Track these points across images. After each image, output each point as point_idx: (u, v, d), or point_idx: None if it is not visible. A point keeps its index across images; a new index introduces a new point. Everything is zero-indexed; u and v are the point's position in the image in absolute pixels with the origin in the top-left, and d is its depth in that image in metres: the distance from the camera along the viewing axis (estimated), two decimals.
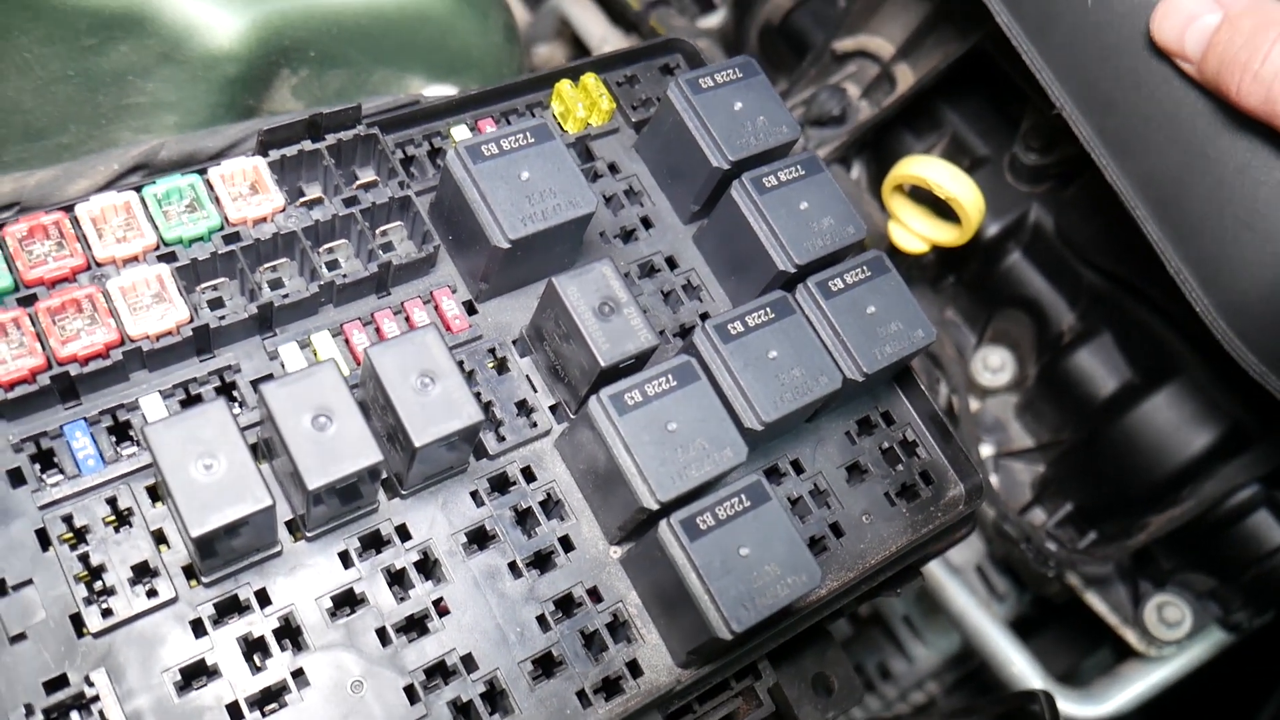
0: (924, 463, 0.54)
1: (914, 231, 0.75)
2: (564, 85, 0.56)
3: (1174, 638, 0.82)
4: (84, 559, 0.41)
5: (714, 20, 1.06)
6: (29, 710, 0.38)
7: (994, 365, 0.89)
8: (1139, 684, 0.85)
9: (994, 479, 0.89)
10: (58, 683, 0.39)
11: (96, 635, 0.40)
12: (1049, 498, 0.85)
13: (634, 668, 0.46)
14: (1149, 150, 0.60)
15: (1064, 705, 0.86)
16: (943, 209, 0.75)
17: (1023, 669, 0.87)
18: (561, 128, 0.56)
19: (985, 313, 0.89)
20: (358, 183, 0.51)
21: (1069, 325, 0.83)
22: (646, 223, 0.56)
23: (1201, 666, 0.87)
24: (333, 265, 0.49)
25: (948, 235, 0.74)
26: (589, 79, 0.56)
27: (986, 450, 0.90)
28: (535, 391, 0.49)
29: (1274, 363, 0.58)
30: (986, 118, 0.86)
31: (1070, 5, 0.61)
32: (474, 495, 0.47)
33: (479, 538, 0.46)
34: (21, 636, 0.40)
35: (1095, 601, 0.85)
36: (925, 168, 0.70)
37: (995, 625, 0.89)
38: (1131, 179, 0.61)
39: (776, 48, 0.97)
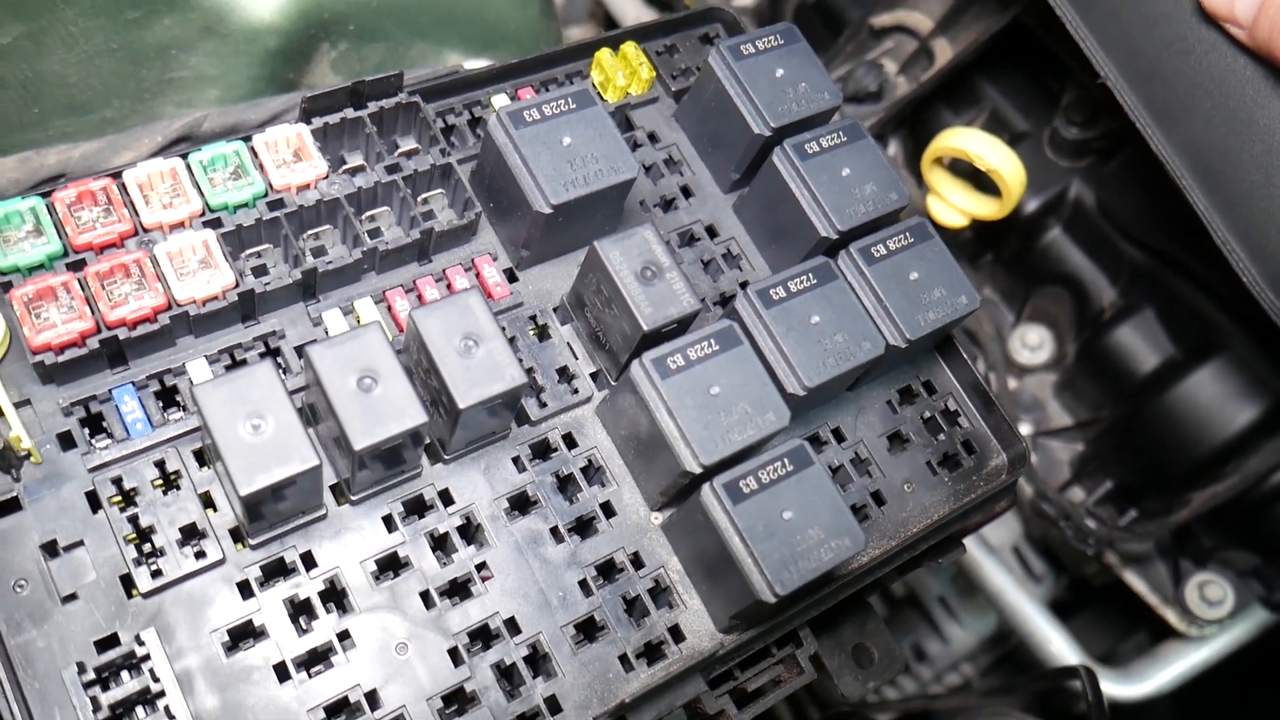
0: (966, 432, 0.54)
1: (953, 205, 0.74)
2: (604, 54, 0.55)
3: (1216, 616, 0.81)
4: (133, 521, 0.41)
5: None
6: (81, 668, 0.39)
7: (1032, 343, 0.88)
8: (1179, 664, 0.85)
9: (1032, 458, 0.88)
10: (109, 642, 0.40)
11: (146, 595, 0.41)
12: (1088, 476, 0.84)
13: (676, 633, 0.45)
14: (1196, 118, 0.59)
15: (1103, 685, 0.85)
16: (982, 182, 0.74)
17: (1060, 648, 0.86)
18: (601, 97, 0.56)
19: (1024, 290, 0.89)
20: (399, 151, 0.51)
21: (1110, 302, 0.82)
22: (686, 191, 0.55)
23: (1243, 647, 0.85)
24: (375, 233, 0.49)
25: (987, 208, 0.73)
26: (629, 48, 0.56)
27: (1025, 429, 0.89)
28: (576, 359, 0.49)
29: None
30: (1026, 92, 0.85)
31: None
32: (516, 461, 0.47)
33: (521, 503, 0.46)
34: (73, 597, 0.40)
35: (1135, 581, 0.85)
36: (966, 140, 0.69)
37: (1033, 604, 0.88)
38: (1178, 148, 0.61)
39: (812, 24, 0.96)
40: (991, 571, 0.90)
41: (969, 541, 0.91)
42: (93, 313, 0.42)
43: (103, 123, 0.60)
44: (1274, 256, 0.58)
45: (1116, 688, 0.85)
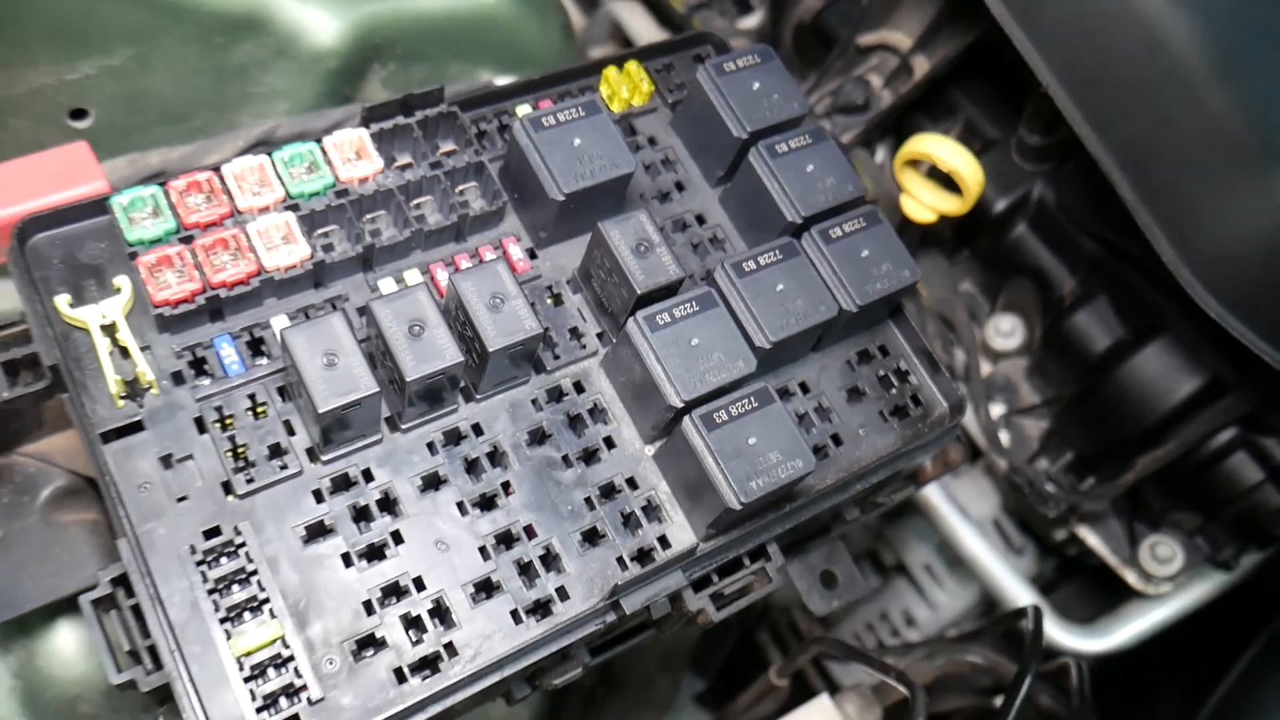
0: (914, 388, 0.64)
1: (922, 203, 0.84)
2: (611, 71, 0.66)
3: (1167, 574, 0.90)
4: (231, 440, 0.52)
5: (752, 21, 1.16)
6: (192, 550, 0.50)
7: (1005, 330, 0.98)
8: (1139, 621, 0.93)
9: (1005, 435, 0.98)
10: (213, 532, 0.51)
11: (241, 497, 0.51)
12: (1052, 448, 0.93)
13: (663, 541, 0.56)
14: (1122, 120, 0.69)
15: (1069, 640, 0.94)
16: (949, 183, 0.84)
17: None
18: (608, 107, 0.66)
19: (997, 282, 0.98)
20: (440, 151, 0.62)
21: (1069, 290, 0.91)
22: (679, 186, 0.66)
23: (1199, 607, 0.94)
24: (420, 217, 0.60)
25: (952, 205, 0.83)
26: (632, 66, 0.67)
27: (998, 409, 0.99)
28: (585, 321, 0.60)
29: (1232, 304, 0.67)
30: (995, 104, 0.95)
31: None
32: (534, 402, 0.57)
33: (538, 436, 0.57)
34: (185, 497, 0.51)
35: (1097, 544, 0.93)
36: (929, 144, 0.79)
37: (1008, 569, 0.97)
38: (1108, 147, 0.70)
39: (808, 44, 1.07)
40: (971, 541, 0.99)
41: (950, 513, 1.01)
42: (200, 276, 0.53)
43: (192, 130, 0.72)
44: (1187, 238, 0.67)
45: (1081, 642, 0.94)
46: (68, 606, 0.62)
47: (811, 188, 0.61)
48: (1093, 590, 1.11)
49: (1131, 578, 0.93)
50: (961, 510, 1.00)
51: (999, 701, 0.78)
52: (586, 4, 1.34)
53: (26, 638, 0.61)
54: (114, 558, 0.56)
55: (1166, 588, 0.92)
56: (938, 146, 0.78)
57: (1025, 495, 0.92)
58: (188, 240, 0.54)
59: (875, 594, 1.15)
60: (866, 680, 0.78)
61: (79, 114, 0.67)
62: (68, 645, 0.62)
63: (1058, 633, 0.94)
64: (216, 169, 0.56)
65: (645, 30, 1.21)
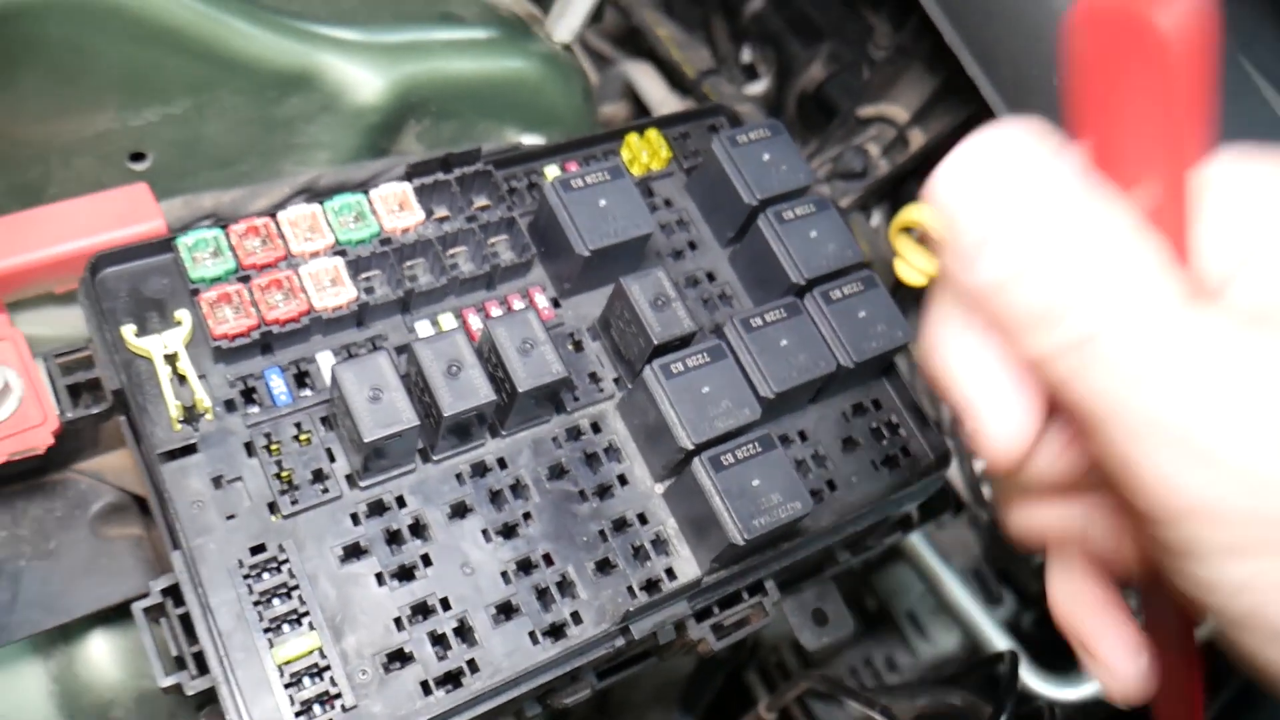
0: (903, 440, 0.69)
1: (915, 266, 0.89)
2: (632, 137, 0.72)
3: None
4: (277, 464, 0.57)
5: (758, 88, 1.22)
6: (240, 564, 0.54)
7: None
8: None
9: (987, 489, 1.03)
10: (258, 549, 0.55)
11: (285, 517, 0.56)
12: None
13: (670, 573, 0.60)
14: None
15: (1044, 687, 0.98)
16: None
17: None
18: (629, 170, 0.72)
19: None
20: (475, 205, 0.67)
21: None
22: (692, 245, 0.71)
23: None
24: (454, 266, 0.65)
25: None
26: (652, 133, 0.72)
27: (981, 464, 1.04)
28: (603, 366, 0.65)
29: None
30: None
31: (1041, 82, 0.76)
32: (554, 440, 0.62)
33: (557, 471, 0.61)
34: (234, 515, 0.56)
35: None
36: (922, 213, 0.85)
37: (987, 617, 1.02)
38: None
39: (810, 112, 1.13)
40: (953, 588, 1.03)
41: (933, 562, 1.05)
42: (256, 313, 0.58)
43: (239, 175, 0.77)
44: None
45: (1058, 690, 0.98)
46: (104, 617, 0.66)
47: (815, 252, 0.66)
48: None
49: None
50: (944, 559, 1.05)
51: None
52: (599, 63, 1.41)
53: (66, 644, 0.65)
54: (155, 572, 0.60)
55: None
56: (929, 214, 0.84)
57: (1006, 546, 0.97)
58: (245, 280, 0.59)
59: (859, 639, 1.19)
60: None
61: (138, 157, 0.73)
62: (103, 653, 0.66)
63: (1034, 680, 0.98)
64: (273, 215, 0.61)
65: (656, 91, 1.27)
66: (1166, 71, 0.30)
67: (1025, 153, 0.33)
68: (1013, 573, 1.08)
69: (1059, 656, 1.15)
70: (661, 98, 1.26)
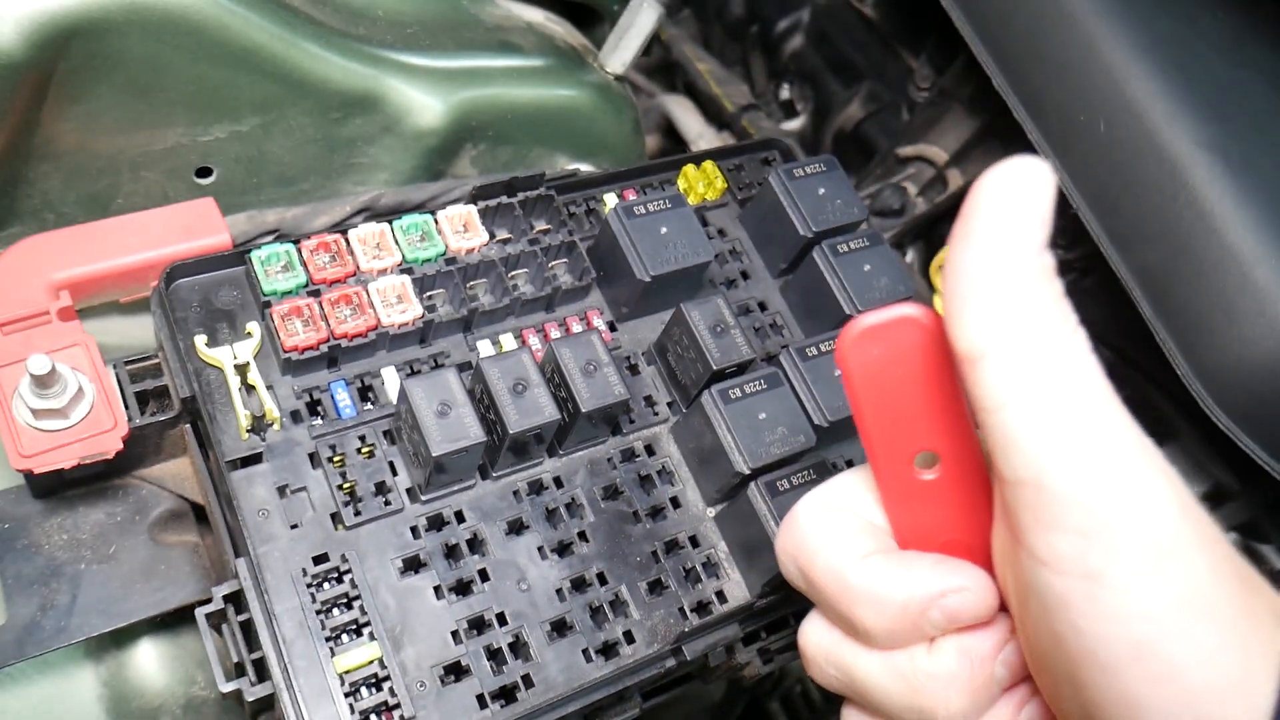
0: None
1: None
2: (690, 168, 0.73)
3: None
4: (341, 475, 0.58)
5: (795, 124, 1.24)
6: (303, 573, 0.55)
7: None
8: None
9: None
10: (321, 558, 0.56)
11: (349, 528, 0.57)
12: None
13: (720, 596, 0.61)
14: (1145, 244, 0.76)
15: None
16: None
17: None
18: (686, 200, 0.73)
19: None
20: (536, 229, 0.68)
21: None
22: (745, 275, 0.73)
23: None
24: (515, 287, 0.66)
25: None
26: (708, 164, 0.74)
27: None
28: (657, 390, 0.66)
29: (1239, 419, 0.73)
30: None
31: (1088, 127, 0.78)
32: (609, 461, 0.63)
33: (612, 492, 0.62)
34: (298, 525, 0.57)
35: None
36: None
37: None
38: (1130, 267, 0.77)
39: (848, 150, 1.15)
40: None
41: None
42: (325, 327, 0.59)
43: (300, 193, 0.78)
44: (1201, 356, 0.74)
45: None
46: (155, 624, 0.66)
47: (868, 285, 0.68)
48: None
49: None
50: None
51: None
52: (636, 95, 1.43)
53: (118, 650, 0.66)
54: (210, 579, 0.61)
55: None
56: None
57: None
58: (315, 294, 0.60)
59: None
60: None
61: (204, 172, 0.74)
62: (152, 660, 0.66)
63: None
64: (343, 232, 0.63)
65: (693, 125, 1.29)
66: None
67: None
68: None
69: None
70: (699, 131, 1.28)
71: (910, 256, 1.09)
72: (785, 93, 1.25)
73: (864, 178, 1.07)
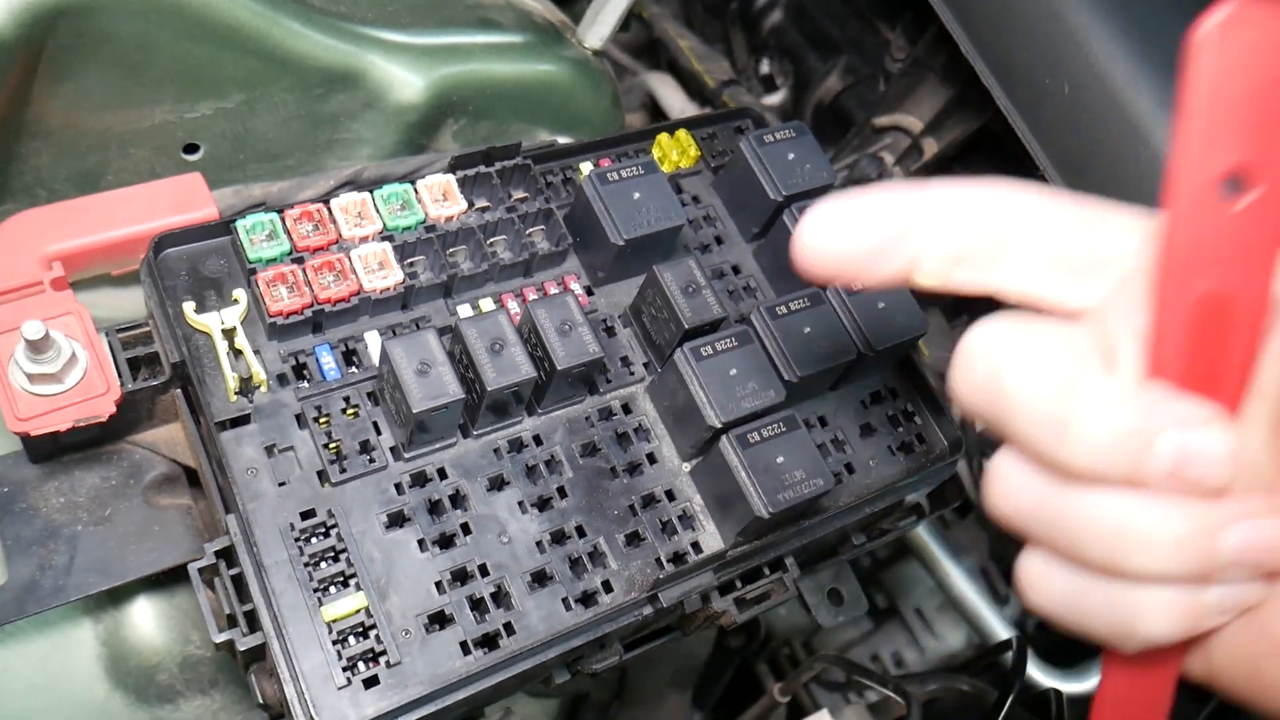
0: (919, 428, 0.72)
1: None
2: (663, 137, 0.75)
3: None
4: (327, 435, 0.60)
5: (775, 99, 1.26)
6: (291, 527, 0.57)
7: None
8: None
9: None
10: (309, 514, 0.58)
11: (334, 485, 0.59)
12: None
13: (696, 546, 0.63)
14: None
15: (1049, 680, 1.01)
16: None
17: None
18: (659, 167, 0.75)
19: None
20: (514, 197, 0.70)
21: None
22: (718, 240, 0.75)
23: None
24: (494, 253, 0.68)
25: None
26: (682, 133, 0.76)
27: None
28: (633, 351, 0.68)
29: None
30: None
31: (1052, 90, 0.80)
32: (587, 419, 0.65)
33: (590, 449, 0.64)
34: (285, 482, 0.59)
35: None
36: None
37: (994, 611, 1.04)
38: None
39: (825, 122, 1.17)
40: (959, 583, 1.06)
41: (942, 558, 1.08)
42: (309, 292, 0.61)
43: (285, 168, 0.80)
44: None
45: (1063, 684, 1.01)
46: (152, 584, 0.69)
47: None
48: (1073, 639, 1.18)
49: None
50: (952, 555, 1.08)
51: None
52: (619, 73, 1.44)
53: (115, 609, 0.68)
54: (203, 540, 0.63)
55: None
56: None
57: (1012, 542, 0.99)
58: (299, 261, 0.62)
59: (867, 636, 1.22)
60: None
61: (191, 148, 0.76)
62: (149, 619, 0.69)
63: (1039, 674, 1.00)
64: (325, 202, 0.65)
65: (675, 101, 1.31)
66: None
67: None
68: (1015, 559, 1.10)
69: (1063, 653, 1.17)
70: (681, 107, 1.29)
71: None
72: (765, 67, 1.26)
73: (841, 149, 1.09)
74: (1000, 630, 1.05)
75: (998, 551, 1.13)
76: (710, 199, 0.76)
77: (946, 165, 1.05)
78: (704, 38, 1.32)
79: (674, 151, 0.75)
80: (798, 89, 1.21)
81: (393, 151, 0.82)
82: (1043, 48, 0.81)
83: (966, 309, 1.09)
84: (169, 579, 0.67)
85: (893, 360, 0.72)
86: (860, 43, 1.15)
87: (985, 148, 1.04)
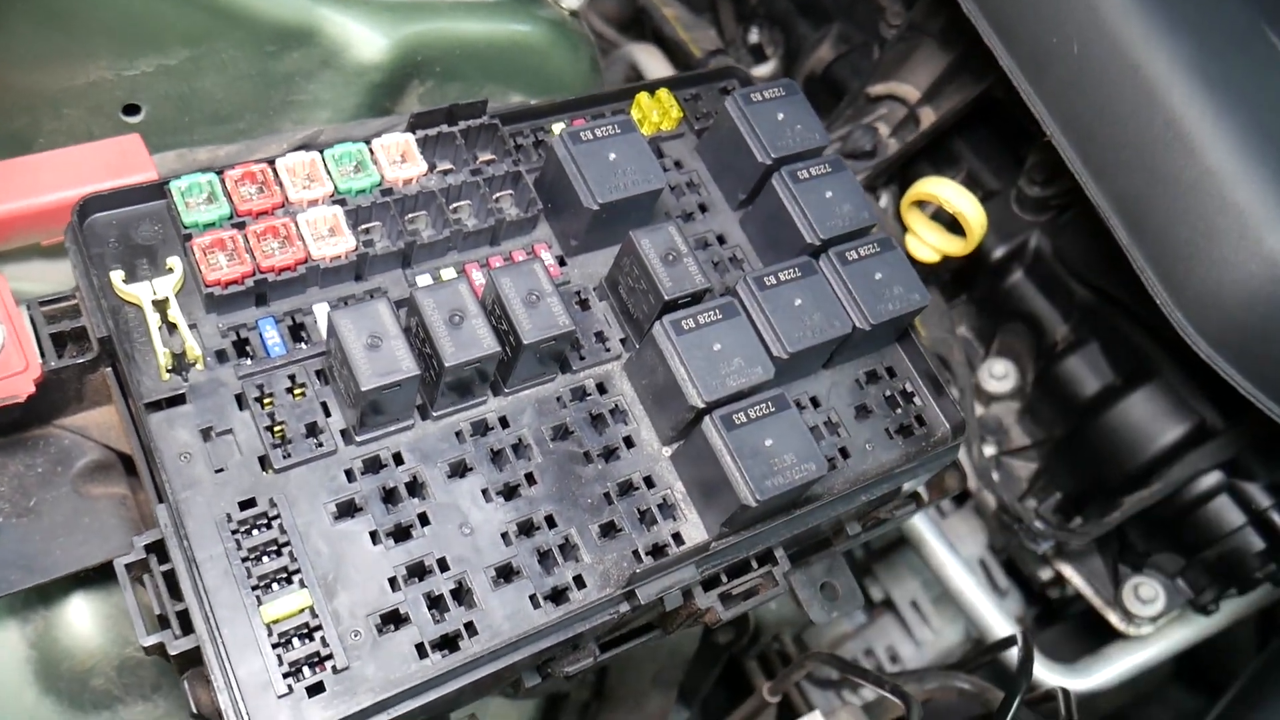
0: (918, 409, 0.66)
1: (926, 243, 0.87)
2: (643, 96, 0.70)
3: (1149, 614, 0.92)
4: (270, 417, 0.54)
5: (765, 69, 1.21)
6: (228, 519, 0.52)
7: (999, 374, 1.01)
8: (1121, 661, 0.95)
9: (995, 475, 1.00)
10: (249, 503, 0.53)
11: (277, 472, 0.54)
12: (1040, 488, 0.96)
13: (677, 537, 0.58)
14: (1120, 170, 0.73)
15: (1051, 677, 0.96)
16: (952, 225, 0.87)
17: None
18: (639, 130, 0.70)
19: (992, 327, 1.02)
20: (480, 160, 0.65)
21: (1062, 336, 0.94)
22: (702, 208, 0.69)
23: (1179, 652, 0.97)
24: (458, 220, 0.63)
25: (955, 246, 0.86)
26: (663, 93, 0.70)
27: (989, 450, 1.02)
28: (609, 326, 0.62)
29: (1220, 347, 0.70)
30: (997, 156, 1.00)
31: (1060, 49, 0.75)
32: (559, 400, 0.60)
33: (561, 432, 0.59)
34: (223, 469, 0.53)
35: (1081, 584, 0.96)
36: (936, 186, 0.82)
37: (993, 604, 0.99)
38: (1107, 195, 0.74)
39: (818, 93, 1.11)
40: (958, 575, 1.01)
41: (939, 548, 1.03)
42: (250, 260, 0.56)
43: (236, 132, 0.75)
44: (1179, 281, 0.71)
45: (1065, 680, 0.96)
46: (85, 581, 0.63)
47: (829, 213, 0.64)
48: (1073, 635, 1.13)
49: (1114, 618, 0.95)
50: (951, 545, 1.03)
51: None
52: (603, 45, 1.39)
53: (45, 609, 0.62)
54: (141, 532, 0.58)
55: (1148, 629, 0.94)
56: (944, 189, 0.82)
57: (1014, 533, 0.95)
58: (240, 226, 0.57)
59: (861, 629, 1.17)
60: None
61: (131, 109, 0.70)
62: (84, 619, 0.63)
63: (1041, 670, 0.96)
64: (270, 162, 0.59)
65: (660, 71, 1.25)
66: None
67: None
68: (1021, 560, 1.05)
69: (1065, 650, 1.12)
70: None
71: (884, 201, 1.06)
72: (754, 36, 1.21)
73: (834, 119, 1.03)
74: (1000, 625, 1.00)
75: (997, 543, 1.09)
76: (693, 163, 0.71)
77: (945, 137, 1.00)
78: (690, 6, 1.26)
79: (654, 112, 0.70)
80: (788, 58, 1.16)
81: (353, 115, 0.77)
82: (1049, 5, 0.76)
83: (965, 288, 1.04)
84: (105, 575, 0.61)
85: (891, 335, 0.67)
86: (853, 8, 1.10)
87: (986, 119, 0.99)
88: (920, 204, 0.89)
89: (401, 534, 0.54)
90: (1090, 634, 1.04)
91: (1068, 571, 0.97)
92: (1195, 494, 0.86)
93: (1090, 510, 0.92)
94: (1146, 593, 0.93)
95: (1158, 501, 0.86)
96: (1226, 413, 0.83)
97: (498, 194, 0.64)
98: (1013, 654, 0.96)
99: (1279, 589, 0.93)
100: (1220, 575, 0.88)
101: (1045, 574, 1.02)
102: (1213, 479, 0.85)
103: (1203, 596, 0.90)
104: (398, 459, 0.56)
